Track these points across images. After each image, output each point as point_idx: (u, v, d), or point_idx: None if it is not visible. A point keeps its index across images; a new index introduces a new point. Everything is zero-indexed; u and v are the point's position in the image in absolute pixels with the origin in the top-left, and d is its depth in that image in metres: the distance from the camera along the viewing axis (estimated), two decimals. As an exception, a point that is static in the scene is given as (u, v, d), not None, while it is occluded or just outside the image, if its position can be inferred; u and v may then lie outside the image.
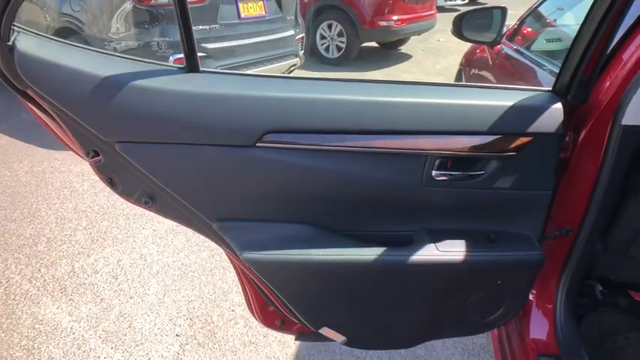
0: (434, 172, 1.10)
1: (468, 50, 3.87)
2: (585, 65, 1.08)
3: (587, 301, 1.65)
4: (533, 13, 3.15)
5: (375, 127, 1.03)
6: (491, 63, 3.17)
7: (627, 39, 1.14)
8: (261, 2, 4.27)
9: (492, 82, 2.95)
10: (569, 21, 2.87)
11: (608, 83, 1.14)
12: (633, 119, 1.10)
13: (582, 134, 1.18)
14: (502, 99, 1.09)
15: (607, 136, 1.13)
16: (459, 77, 3.92)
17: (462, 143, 1.07)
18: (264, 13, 4.30)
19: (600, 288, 1.70)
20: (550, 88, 1.15)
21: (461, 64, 3.94)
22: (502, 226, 1.21)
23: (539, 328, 1.36)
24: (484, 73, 3.27)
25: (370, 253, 1.10)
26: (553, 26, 2.94)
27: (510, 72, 2.81)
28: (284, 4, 4.53)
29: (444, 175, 1.12)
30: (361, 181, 1.09)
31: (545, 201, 1.18)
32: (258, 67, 4.25)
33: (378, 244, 1.13)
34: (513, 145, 1.09)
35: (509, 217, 1.20)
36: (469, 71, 3.61)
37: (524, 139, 1.09)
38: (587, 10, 1.04)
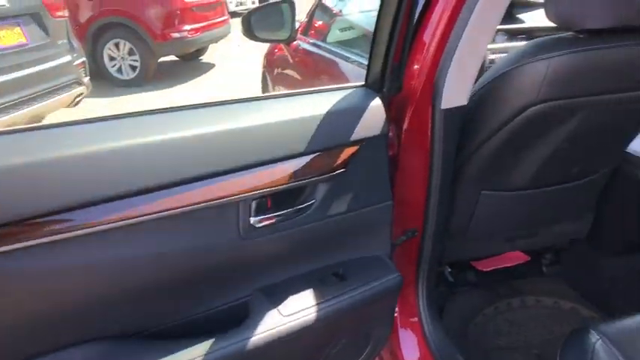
0: (252, 219, 0.86)
1: (267, 51, 3.76)
2: (394, 52, 0.94)
3: (444, 288, 1.63)
4: (320, 6, 3.15)
5: (155, 183, 0.74)
6: (292, 61, 3.08)
7: (423, 18, 1.04)
8: (19, 28, 3.56)
9: (298, 79, 2.86)
10: (354, 8, 2.91)
11: (416, 67, 1.03)
12: (451, 101, 1.02)
13: (405, 126, 1.07)
14: (314, 107, 0.90)
15: (430, 124, 1.04)
16: (263, 79, 3.79)
17: (279, 173, 0.85)
18: (25, 40, 3.60)
19: (449, 269, 1.69)
20: (363, 83, 1.00)
21: (263, 66, 3.82)
22: (349, 253, 1.03)
23: (410, 348, 1.23)
24: (288, 71, 3.17)
25: (197, 354, 0.81)
26: (340, 16, 2.96)
27: (313, 67, 2.75)
28: (51, 27, 3.85)
29: (266, 219, 0.88)
30: (160, 258, 0.79)
31: (387, 213, 1.04)
32: (32, 105, 3.55)
33: (208, 326, 0.84)
34: (339, 159, 0.91)
35: (355, 241, 1.03)
36: (273, 72, 3.50)
37: (350, 150, 0.91)
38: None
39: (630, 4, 1.02)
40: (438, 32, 0.99)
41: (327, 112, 0.88)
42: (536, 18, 2.20)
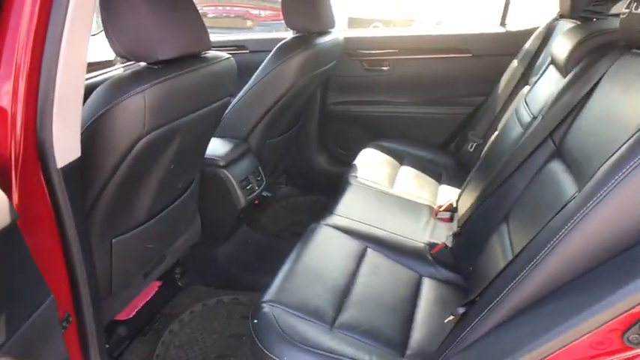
0: None
1: None
2: None
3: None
4: None
5: None
6: None
7: None
8: None
9: None
10: None
11: (7, 129, 0.84)
12: (66, 157, 0.91)
13: (16, 203, 0.86)
14: None
15: (47, 189, 0.89)
16: None
17: None
18: None
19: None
20: None
21: None
22: None
23: None
24: None
25: None
26: None
27: None
28: None
29: None
30: None
31: (53, 312, 0.82)
32: None
33: None
34: None
35: None
36: None
37: None
38: None
39: (186, 38, 1.18)
40: (22, 87, 0.82)
41: None
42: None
